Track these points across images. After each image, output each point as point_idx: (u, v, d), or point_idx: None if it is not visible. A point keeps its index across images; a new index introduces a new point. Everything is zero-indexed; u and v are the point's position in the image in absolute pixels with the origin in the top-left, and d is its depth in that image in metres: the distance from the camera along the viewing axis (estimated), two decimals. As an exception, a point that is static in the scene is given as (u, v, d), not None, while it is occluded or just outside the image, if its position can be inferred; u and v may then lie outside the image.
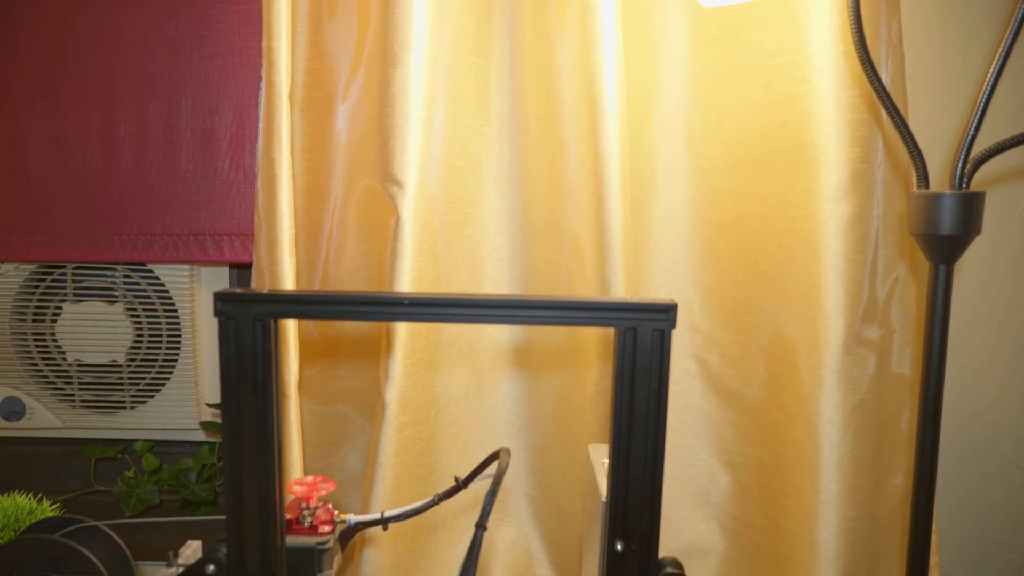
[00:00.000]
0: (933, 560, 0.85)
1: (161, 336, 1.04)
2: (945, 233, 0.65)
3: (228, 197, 1.00)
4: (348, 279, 0.93)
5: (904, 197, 0.81)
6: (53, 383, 1.06)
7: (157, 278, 1.03)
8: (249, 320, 0.59)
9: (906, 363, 0.84)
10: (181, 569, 0.64)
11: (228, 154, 1.00)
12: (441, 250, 0.88)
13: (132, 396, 1.06)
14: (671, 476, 0.91)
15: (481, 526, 0.58)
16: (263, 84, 0.82)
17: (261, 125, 0.83)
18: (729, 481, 0.92)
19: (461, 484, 0.67)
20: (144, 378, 1.05)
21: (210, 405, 1.04)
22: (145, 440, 1.07)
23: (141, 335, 1.04)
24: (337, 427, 0.95)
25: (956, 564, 1.02)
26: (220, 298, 0.60)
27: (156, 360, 1.04)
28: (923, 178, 0.68)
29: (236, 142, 1.00)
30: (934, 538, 0.83)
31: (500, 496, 0.96)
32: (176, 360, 1.04)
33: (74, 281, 1.04)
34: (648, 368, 0.59)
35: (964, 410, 0.99)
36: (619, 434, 0.60)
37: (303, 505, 0.68)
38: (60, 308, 1.04)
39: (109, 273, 1.03)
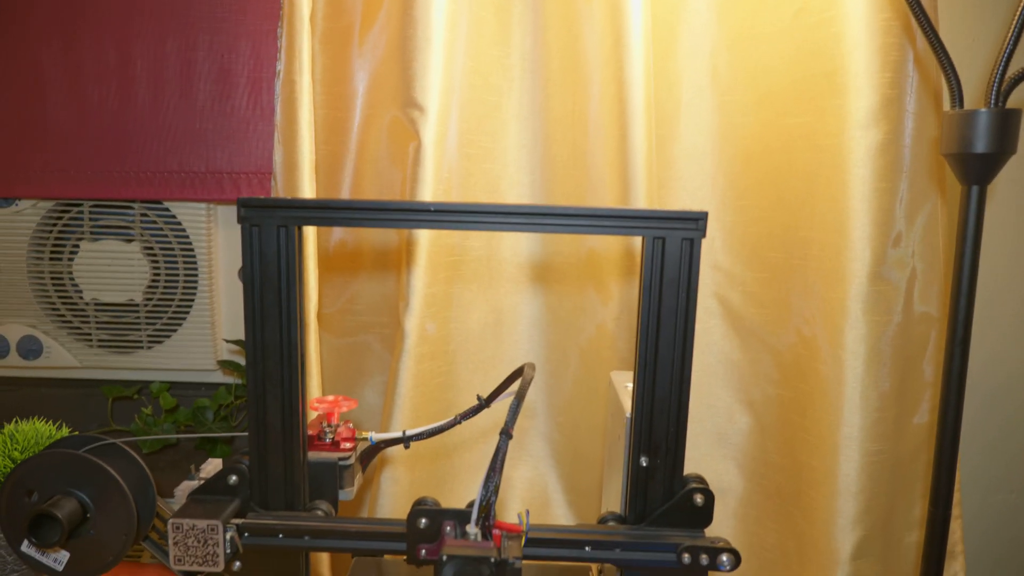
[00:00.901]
0: (955, 497, 0.84)
1: (178, 275, 1.04)
2: (979, 152, 0.64)
3: (245, 135, 0.99)
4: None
5: (935, 125, 0.79)
6: (70, 322, 1.06)
7: (174, 216, 1.03)
8: (273, 226, 0.59)
9: (932, 300, 0.83)
10: (203, 481, 0.64)
11: (245, 91, 0.99)
12: (460, 183, 0.87)
13: (149, 336, 1.05)
14: (689, 417, 0.90)
15: (506, 433, 0.57)
16: (283, 8, 0.81)
17: (282, 50, 0.82)
18: (749, 421, 0.91)
19: (483, 403, 0.66)
20: (161, 318, 1.05)
21: (228, 341, 1.04)
22: (162, 382, 1.07)
23: (158, 274, 1.04)
24: (356, 361, 0.94)
25: (979, 512, 1.01)
26: (244, 204, 0.59)
27: (173, 300, 1.04)
28: (957, 98, 0.66)
29: (254, 79, 0.99)
30: (957, 475, 0.82)
31: (517, 436, 0.96)
32: (193, 300, 1.04)
33: (91, 219, 1.03)
34: (676, 279, 0.58)
35: (984, 351, 0.97)
36: (646, 347, 0.59)
37: (325, 423, 0.68)
38: (77, 246, 1.04)
39: (126, 211, 1.03)
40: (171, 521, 0.58)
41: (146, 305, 1.05)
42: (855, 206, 0.77)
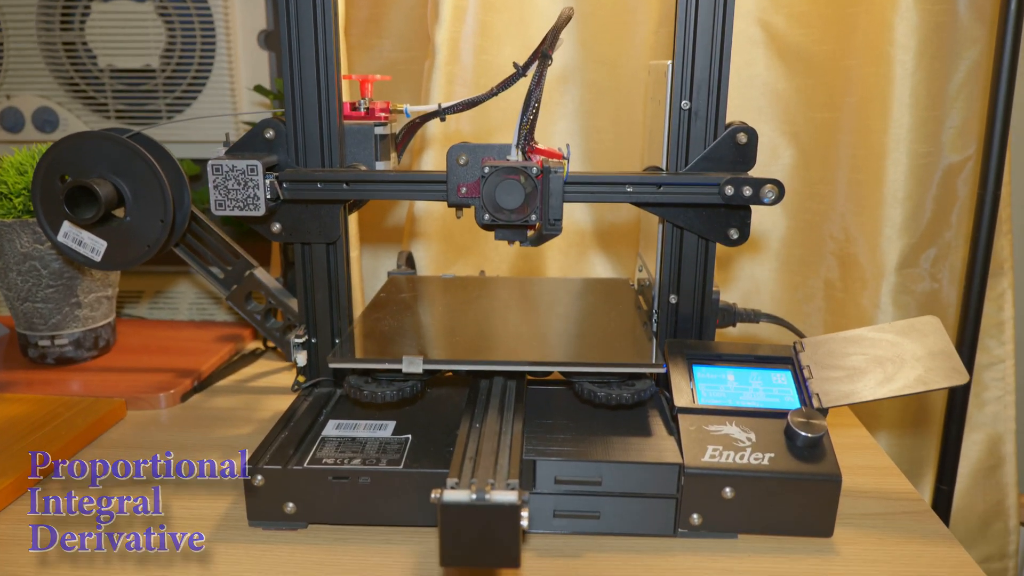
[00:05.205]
0: (1003, 213, 0.82)
1: (195, 38, 1.00)
2: None
3: None
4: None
5: None
6: (85, 92, 1.03)
7: (186, -28, 0.99)
8: None
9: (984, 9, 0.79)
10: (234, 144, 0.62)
11: None
12: None
13: (168, 104, 1.03)
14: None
15: (546, 55, 0.55)
16: None
17: None
18: (792, 154, 0.88)
19: (520, 71, 0.63)
20: (180, 84, 1.02)
21: (251, 89, 1.01)
22: (181, 158, 1.05)
23: (174, 37, 1.00)
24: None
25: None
26: None
27: (191, 65, 1.01)
28: None
29: None
30: (1005, 190, 0.79)
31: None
32: (212, 65, 1.01)
33: (101, -22, 0.99)
34: None
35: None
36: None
37: (359, 97, 0.65)
38: (88, 8, 1.00)
39: (137, -31, 0.99)
40: (211, 163, 0.57)
41: (163, 71, 1.02)
42: None
